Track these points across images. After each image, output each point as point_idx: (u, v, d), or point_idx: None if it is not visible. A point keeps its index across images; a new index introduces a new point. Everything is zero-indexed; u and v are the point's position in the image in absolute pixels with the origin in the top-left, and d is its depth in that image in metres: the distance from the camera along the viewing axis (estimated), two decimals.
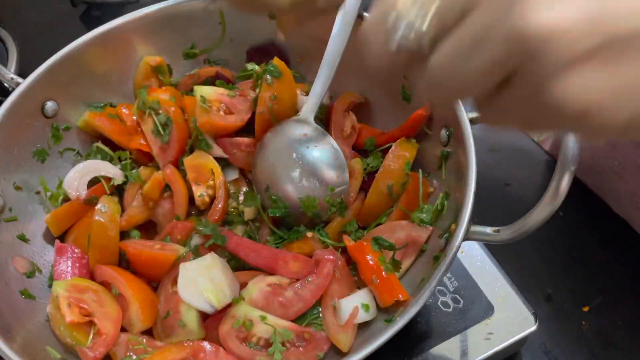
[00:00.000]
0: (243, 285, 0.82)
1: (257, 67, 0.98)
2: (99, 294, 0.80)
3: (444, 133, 0.87)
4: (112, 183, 0.92)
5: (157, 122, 0.93)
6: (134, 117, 0.96)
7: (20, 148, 0.88)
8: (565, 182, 0.64)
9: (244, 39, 1.05)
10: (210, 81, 1.03)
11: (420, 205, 0.88)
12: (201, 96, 0.93)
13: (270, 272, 0.83)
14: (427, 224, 0.85)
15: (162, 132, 0.94)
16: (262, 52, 1.05)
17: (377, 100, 1.02)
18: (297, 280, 0.82)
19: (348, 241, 0.83)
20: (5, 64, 1.23)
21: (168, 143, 0.95)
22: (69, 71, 0.92)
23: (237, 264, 0.87)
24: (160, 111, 0.94)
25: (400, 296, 0.76)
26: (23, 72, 0.92)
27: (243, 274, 0.84)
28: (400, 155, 0.91)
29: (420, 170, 0.91)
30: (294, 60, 1.07)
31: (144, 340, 0.78)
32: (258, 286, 0.80)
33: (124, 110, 0.97)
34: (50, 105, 0.91)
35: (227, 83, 1.01)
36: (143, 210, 0.92)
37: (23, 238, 0.87)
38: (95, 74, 0.97)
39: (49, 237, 0.90)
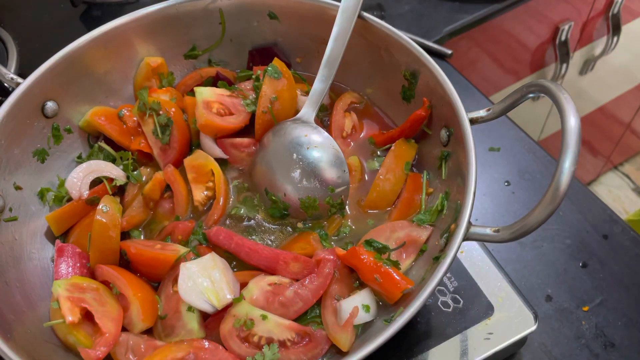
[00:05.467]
0: (243, 285, 0.82)
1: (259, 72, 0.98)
2: (100, 293, 0.80)
3: (444, 133, 0.87)
4: (114, 184, 0.92)
5: (157, 123, 0.94)
6: (135, 118, 0.96)
7: (20, 148, 0.88)
8: (565, 183, 0.64)
9: (244, 39, 1.05)
10: (212, 81, 1.03)
11: (422, 206, 0.88)
12: (201, 97, 0.93)
13: (271, 272, 0.83)
14: (426, 223, 0.85)
15: (162, 133, 0.94)
16: (264, 53, 1.05)
17: (377, 101, 1.03)
18: (298, 280, 0.82)
19: (339, 251, 0.83)
20: (5, 64, 1.24)
21: (168, 144, 0.95)
22: (69, 71, 0.92)
23: (238, 264, 0.87)
24: (161, 112, 0.94)
25: (407, 285, 0.76)
26: (23, 72, 0.93)
27: (243, 273, 0.84)
28: (399, 155, 0.91)
29: (425, 172, 0.91)
30: (294, 61, 1.07)
31: (145, 339, 0.78)
32: (259, 285, 0.81)
33: (125, 111, 0.97)
34: (50, 105, 0.91)
35: (229, 84, 1.01)
36: (144, 210, 0.92)
37: None
38: (95, 74, 0.97)
39: (50, 237, 0.90)
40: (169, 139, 0.94)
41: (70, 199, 0.91)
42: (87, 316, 0.78)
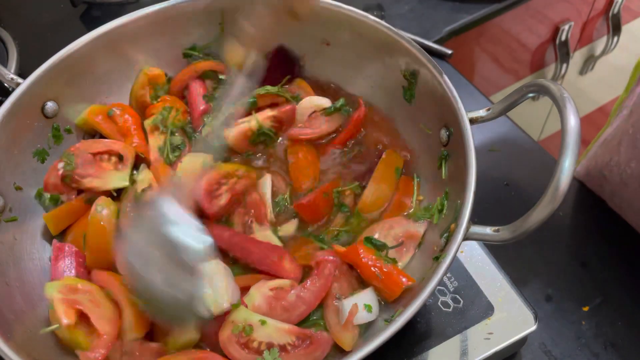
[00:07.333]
0: (245, 290, 0.81)
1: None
2: (94, 294, 0.78)
3: (444, 133, 0.87)
4: None
5: (169, 142, 0.94)
6: (128, 117, 0.96)
7: (21, 148, 0.88)
8: (565, 182, 0.64)
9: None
10: (208, 74, 1.03)
11: (413, 205, 0.89)
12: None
13: (266, 272, 0.83)
14: (422, 218, 0.85)
15: (171, 152, 0.94)
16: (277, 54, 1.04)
17: (378, 101, 1.02)
18: (296, 278, 0.82)
19: (339, 248, 0.83)
20: (5, 64, 1.23)
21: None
22: (69, 71, 0.92)
23: (239, 270, 0.85)
24: (177, 133, 0.94)
25: (409, 282, 0.77)
26: (23, 72, 0.93)
27: (245, 278, 0.83)
28: (390, 163, 0.93)
29: (415, 175, 0.92)
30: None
31: (139, 342, 0.78)
32: (260, 291, 0.80)
33: (115, 110, 0.96)
34: (50, 105, 0.91)
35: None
36: None
37: None
38: (95, 74, 0.97)
39: (50, 236, 0.90)
40: (174, 161, 0.93)
41: None
42: (85, 317, 0.78)
